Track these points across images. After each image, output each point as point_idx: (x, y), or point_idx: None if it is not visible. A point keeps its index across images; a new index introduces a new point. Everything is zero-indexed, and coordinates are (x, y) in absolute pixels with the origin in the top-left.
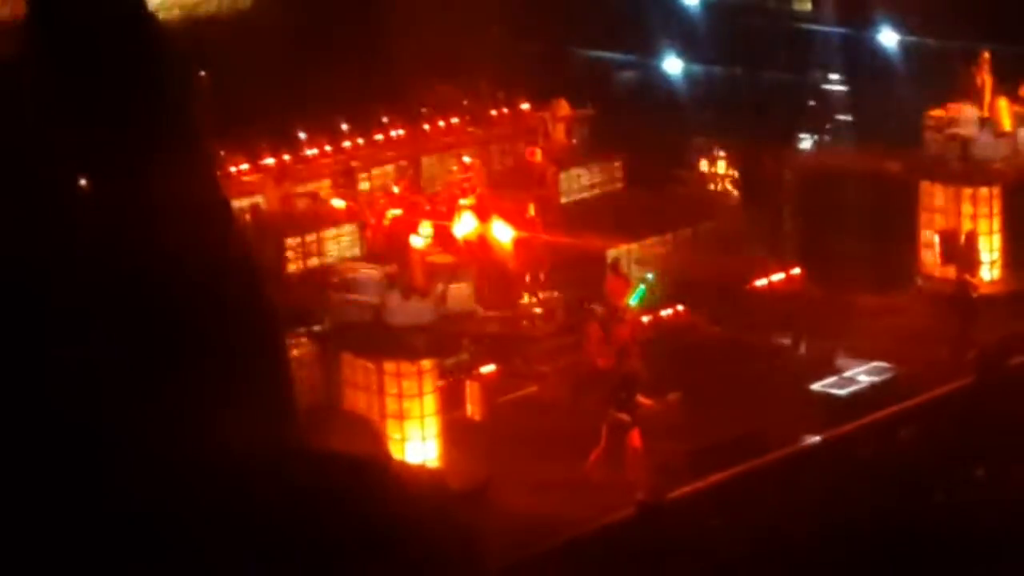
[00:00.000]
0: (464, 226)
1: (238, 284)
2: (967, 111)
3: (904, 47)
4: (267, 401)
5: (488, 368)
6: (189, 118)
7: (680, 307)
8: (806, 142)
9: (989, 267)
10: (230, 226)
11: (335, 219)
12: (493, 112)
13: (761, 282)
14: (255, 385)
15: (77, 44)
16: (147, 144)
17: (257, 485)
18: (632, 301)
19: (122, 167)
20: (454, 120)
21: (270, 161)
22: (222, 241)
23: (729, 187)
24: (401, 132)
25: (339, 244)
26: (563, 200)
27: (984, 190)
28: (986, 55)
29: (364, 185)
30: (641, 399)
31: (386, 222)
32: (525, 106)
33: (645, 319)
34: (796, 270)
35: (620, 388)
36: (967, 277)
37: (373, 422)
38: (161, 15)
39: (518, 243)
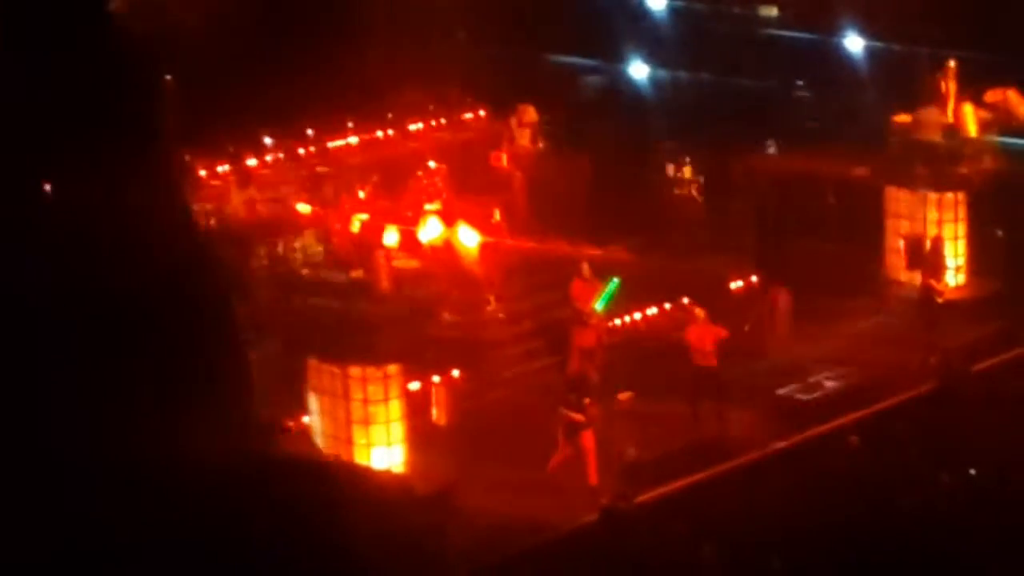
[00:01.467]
0: (430, 231)
1: (199, 288)
2: (932, 117)
3: (870, 53)
4: (227, 405)
5: (454, 373)
6: (151, 122)
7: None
8: (772, 147)
9: (954, 272)
10: (191, 230)
11: (301, 224)
12: (459, 117)
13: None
14: (214, 389)
15: (36, 47)
16: (107, 147)
17: (216, 490)
18: (599, 305)
19: (81, 169)
20: (420, 125)
21: (236, 166)
22: (183, 244)
23: (695, 192)
24: (367, 137)
25: (305, 249)
26: (528, 205)
27: (949, 195)
28: (951, 61)
29: (330, 190)
30: (591, 401)
31: (352, 227)
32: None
33: (616, 322)
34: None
35: (571, 390)
36: (932, 282)
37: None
38: (127, 19)
39: (484, 248)
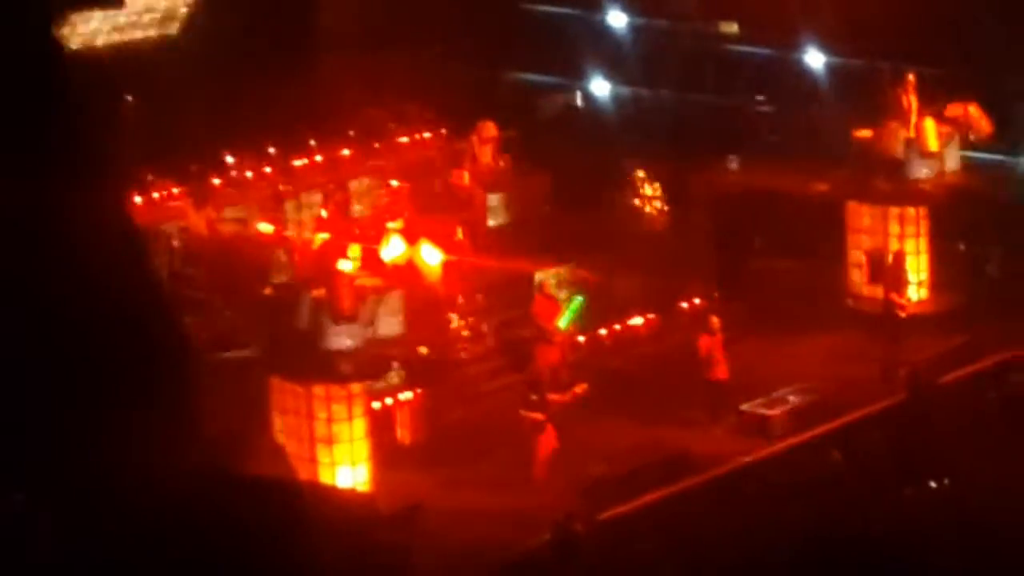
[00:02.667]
0: (392, 250)
1: (143, 307)
2: (894, 131)
3: (831, 68)
4: (172, 425)
5: (417, 391)
6: (95, 142)
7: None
8: (733, 163)
9: (916, 287)
10: (136, 249)
11: (263, 243)
12: (420, 135)
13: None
14: (158, 408)
15: None
16: (49, 167)
17: (171, 506)
18: (563, 323)
19: (24, 188)
20: (381, 144)
21: (197, 185)
22: (127, 263)
23: (656, 208)
24: (328, 156)
25: (267, 268)
26: (491, 222)
27: (911, 210)
28: (912, 76)
29: (292, 209)
30: (551, 396)
31: (314, 246)
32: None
33: (581, 338)
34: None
35: (528, 390)
36: (895, 297)
37: (283, 448)
38: (84, 41)
39: (446, 266)
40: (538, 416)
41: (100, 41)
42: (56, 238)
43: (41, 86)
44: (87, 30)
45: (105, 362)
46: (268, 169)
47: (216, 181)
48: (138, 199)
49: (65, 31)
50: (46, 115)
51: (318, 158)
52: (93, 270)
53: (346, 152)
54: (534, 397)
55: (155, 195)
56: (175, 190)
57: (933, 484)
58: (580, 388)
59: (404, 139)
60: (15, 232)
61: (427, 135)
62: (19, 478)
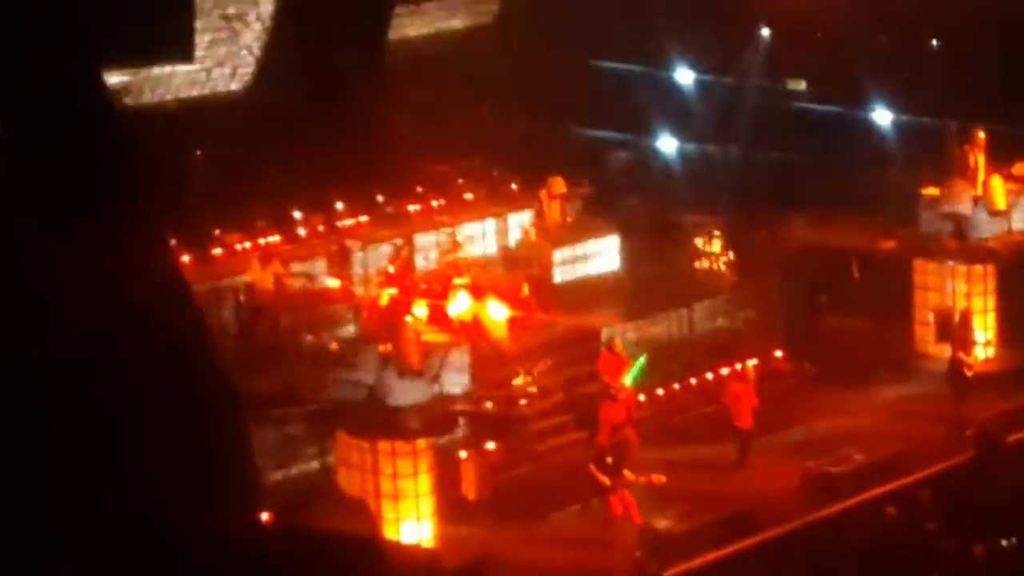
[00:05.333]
0: (458, 305)
1: (191, 359)
2: (961, 189)
3: (898, 126)
4: (225, 478)
5: (484, 447)
6: (142, 196)
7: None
8: (802, 220)
9: (983, 346)
10: (184, 302)
11: (330, 298)
12: (487, 191)
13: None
14: (210, 460)
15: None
16: (98, 220)
17: (234, 561)
18: (628, 381)
19: (73, 242)
20: (448, 199)
21: (264, 240)
22: (175, 317)
23: (724, 266)
24: (396, 212)
25: (334, 323)
26: (558, 279)
27: (978, 268)
28: (979, 134)
29: (359, 264)
30: (627, 472)
31: (381, 302)
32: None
33: (641, 397)
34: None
35: (609, 453)
36: (961, 355)
37: (365, 502)
38: (155, 97)
39: (512, 322)
40: (606, 481)
41: (170, 96)
42: (96, 290)
43: (85, 140)
44: (156, 85)
45: (149, 413)
46: (334, 224)
47: (282, 236)
48: (205, 253)
49: (133, 86)
50: (89, 167)
51: (386, 213)
52: (137, 321)
53: (413, 207)
54: (609, 460)
55: (222, 250)
56: (241, 245)
57: (1004, 543)
58: (658, 478)
59: (471, 195)
60: (56, 284)
61: (495, 190)
62: (69, 539)
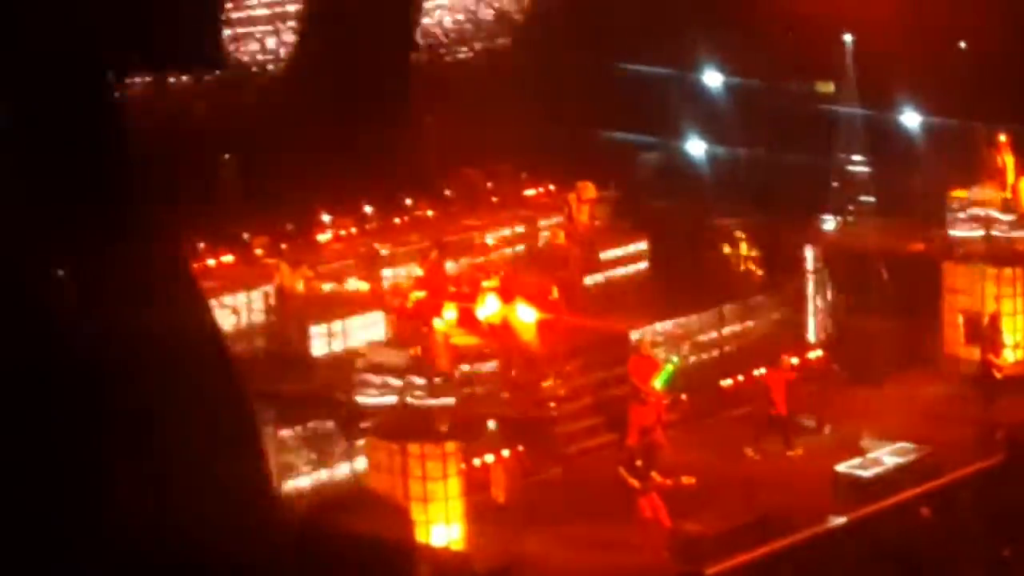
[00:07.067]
0: (488, 308)
1: (205, 368)
2: (990, 192)
3: (926, 128)
4: (245, 488)
5: (512, 450)
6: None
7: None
8: (829, 223)
9: (1013, 348)
10: (198, 311)
11: (359, 302)
12: (516, 195)
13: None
14: (227, 470)
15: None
16: (108, 231)
17: (264, 564)
18: (658, 383)
19: (85, 254)
20: (478, 203)
21: (293, 245)
22: (189, 326)
23: (752, 268)
24: (425, 215)
25: (363, 327)
26: (587, 282)
27: (1008, 270)
28: (1007, 136)
29: (388, 268)
30: (656, 475)
31: (410, 305)
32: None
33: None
34: (818, 352)
35: (639, 455)
36: (991, 357)
37: (399, 503)
38: (182, 101)
39: (542, 325)
40: (636, 484)
41: (199, 101)
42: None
43: (95, 145)
44: (184, 90)
45: (162, 420)
46: (363, 229)
47: (311, 240)
48: (232, 258)
49: (158, 91)
50: (99, 174)
51: (415, 217)
52: (155, 331)
53: (442, 211)
54: (639, 463)
55: (251, 254)
56: (268, 249)
57: None
58: (688, 480)
59: (501, 198)
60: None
61: (525, 194)
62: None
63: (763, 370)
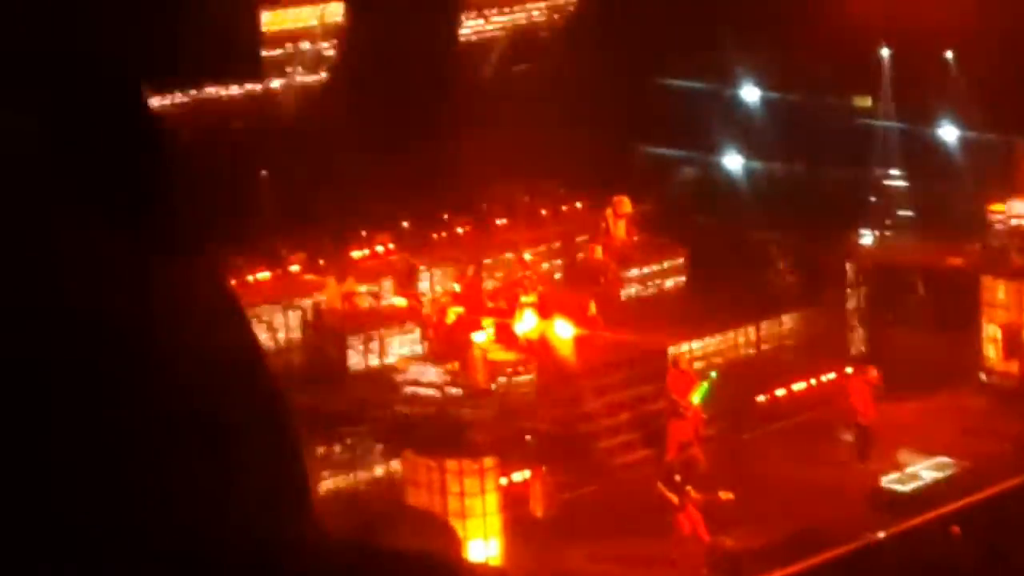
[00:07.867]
0: (525, 324)
1: (241, 376)
2: None
3: (965, 142)
4: (287, 503)
5: (551, 466)
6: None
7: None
8: (867, 237)
9: None
10: (239, 326)
11: (397, 317)
12: (554, 210)
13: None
14: (269, 483)
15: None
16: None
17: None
18: (696, 399)
19: (125, 270)
20: (515, 218)
21: (331, 260)
22: (231, 341)
23: (791, 282)
24: (462, 231)
25: (401, 342)
26: (624, 297)
27: None
28: None
29: (425, 283)
30: (692, 490)
31: (448, 320)
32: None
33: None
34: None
35: (677, 470)
36: None
37: (443, 519)
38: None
39: (579, 340)
40: (674, 499)
41: (237, 116)
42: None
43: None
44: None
45: (205, 435)
46: (401, 244)
47: (350, 256)
48: (270, 273)
49: (197, 106)
50: (137, 189)
51: (452, 232)
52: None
53: (480, 226)
54: (678, 478)
55: (290, 268)
56: (304, 263)
57: None
58: (726, 495)
59: (538, 214)
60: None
61: (561, 210)
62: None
63: (831, 375)
